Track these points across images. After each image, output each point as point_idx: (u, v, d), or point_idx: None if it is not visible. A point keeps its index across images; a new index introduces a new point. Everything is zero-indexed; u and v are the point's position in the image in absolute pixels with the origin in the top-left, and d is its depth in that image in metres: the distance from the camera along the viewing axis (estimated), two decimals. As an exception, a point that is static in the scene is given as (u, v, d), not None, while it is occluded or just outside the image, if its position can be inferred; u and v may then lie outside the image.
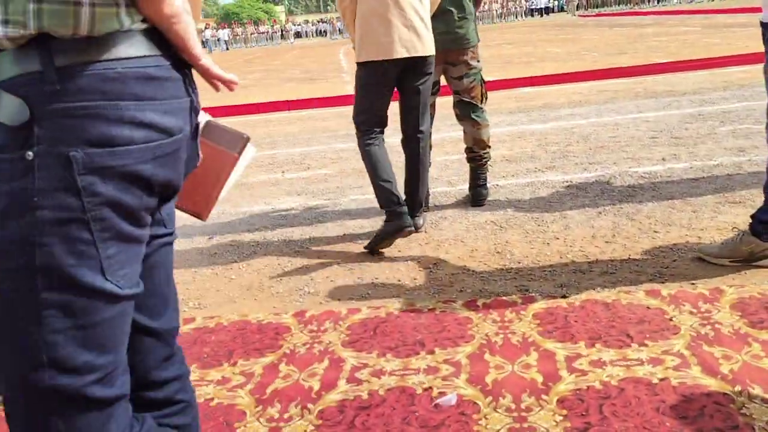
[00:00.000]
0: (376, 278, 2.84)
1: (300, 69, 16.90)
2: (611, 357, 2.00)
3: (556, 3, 48.18)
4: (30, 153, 0.88)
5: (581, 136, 5.28)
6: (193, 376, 2.13)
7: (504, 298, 2.50)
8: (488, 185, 3.80)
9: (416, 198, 3.33)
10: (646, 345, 2.05)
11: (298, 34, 51.07)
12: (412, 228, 3.14)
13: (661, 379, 1.85)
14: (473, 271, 2.82)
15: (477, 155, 3.69)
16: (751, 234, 2.51)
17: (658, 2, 42.70)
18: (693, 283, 2.46)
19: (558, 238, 3.10)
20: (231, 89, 1.12)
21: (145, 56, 0.94)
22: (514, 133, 5.72)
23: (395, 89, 3.25)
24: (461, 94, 3.60)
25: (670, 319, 2.19)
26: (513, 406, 1.80)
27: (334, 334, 2.34)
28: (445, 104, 4.05)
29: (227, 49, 43.60)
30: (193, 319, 2.60)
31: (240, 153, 1.30)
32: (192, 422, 1.25)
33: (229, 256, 3.31)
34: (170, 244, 1.16)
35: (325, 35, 48.94)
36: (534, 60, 12.18)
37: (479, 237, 3.23)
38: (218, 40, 44.46)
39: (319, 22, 54.77)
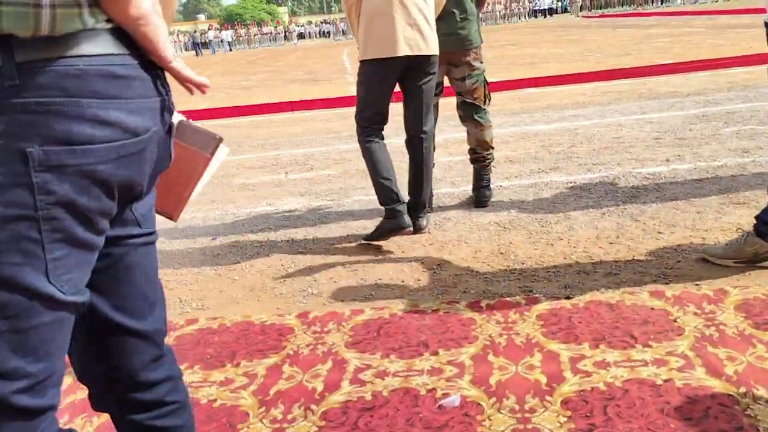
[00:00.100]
0: (380, 279, 2.83)
1: (303, 70, 16.92)
2: (615, 358, 1.99)
3: (559, 4, 48.15)
4: None
5: (585, 137, 5.27)
6: (195, 377, 2.13)
7: (508, 299, 2.50)
8: (492, 186, 3.79)
9: (420, 199, 3.33)
10: (650, 346, 2.04)
11: (301, 35, 51.12)
12: (411, 228, 3.16)
13: (666, 381, 1.85)
14: (477, 272, 2.82)
15: (480, 156, 3.69)
16: (755, 235, 2.50)
17: (661, 3, 42.66)
18: (697, 284, 2.46)
19: (562, 239, 3.09)
20: (203, 92, 1.12)
21: (110, 54, 0.93)
22: (518, 134, 5.72)
23: (399, 89, 3.26)
24: (464, 95, 3.60)
25: (675, 320, 2.19)
26: (517, 408, 1.80)
27: (338, 335, 2.34)
28: (448, 105, 4.05)
29: (230, 50, 43.64)
30: (196, 320, 2.61)
31: (212, 154, 1.29)
32: (185, 423, 1.24)
33: (232, 257, 3.31)
34: (149, 244, 1.15)
35: (328, 36, 48.96)
36: (537, 61, 12.17)
37: (483, 238, 3.23)
38: (221, 41, 44.50)
39: (322, 23, 54.81)
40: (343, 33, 45.25)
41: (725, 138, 4.72)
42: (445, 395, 1.89)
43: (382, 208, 3.21)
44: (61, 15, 0.87)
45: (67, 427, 1.86)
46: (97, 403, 1.22)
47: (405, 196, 3.25)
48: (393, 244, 3.25)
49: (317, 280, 2.91)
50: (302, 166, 5.31)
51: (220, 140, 1.31)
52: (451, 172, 4.58)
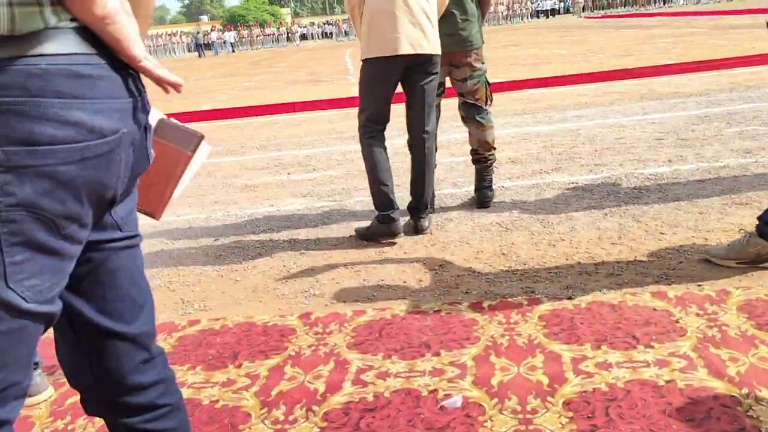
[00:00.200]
0: (382, 280, 2.83)
1: (306, 71, 16.93)
2: (617, 359, 1.99)
3: (561, 4, 48.13)
4: None
5: (587, 138, 5.27)
6: (197, 378, 2.14)
7: (510, 299, 2.50)
8: (494, 187, 3.79)
9: (422, 199, 3.33)
10: (652, 347, 2.04)
11: (303, 36, 51.14)
12: (402, 234, 3.27)
13: (668, 381, 1.84)
14: (479, 272, 2.82)
15: (482, 157, 3.69)
16: (757, 236, 2.50)
17: (664, 3, 42.62)
18: (699, 285, 2.45)
19: (564, 240, 3.09)
20: (178, 91, 1.10)
21: (74, 54, 0.90)
22: (520, 134, 5.72)
23: (402, 90, 3.27)
24: (465, 96, 3.60)
25: (677, 321, 2.18)
26: (519, 408, 1.79)
27: (340, 336, 2.34)
28: (450, 106, 4.05)
29: (233, 51, 43.70)
30: (198, 321, 2.61)
31: (194, 151, 1.28)
32: (179, 426, 1.24)
33: (235, 258, 3.32)
34: (133, 247, 1.13)
35: (331, 37, 49.00)
36: (540, 62, 12.17)
37: (485, 239, 3.23)
38: (224, 42, 44.54)
39: (324, 24, 54.83)
40: (346, 34, 45.26)
41: (728, 138, 4.71)
42: (447, 396, 1.89)
43: (375, 208, 3.30)
44: (21, 14, 0.85)
45: (70, 427, 1.87)
46: (89, 406, 1.22)
47: (402, 198, 3.25)
48: (395, 245, 3.25)
49: (319, 281, 2.91)
50: (304, 167, 5.31)
51: (201, 137, 1.29)
52: (453, 172, 4.58)
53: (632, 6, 44.70)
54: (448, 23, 3.39)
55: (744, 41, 11.53)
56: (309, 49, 34.61)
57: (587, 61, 11.27)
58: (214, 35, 45.33)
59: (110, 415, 1.20)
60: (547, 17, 45.20)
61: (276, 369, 2.15)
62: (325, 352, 2.23)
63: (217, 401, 2.00)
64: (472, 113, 3.61)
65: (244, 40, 48.32)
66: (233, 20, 63.10)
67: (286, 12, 79.93)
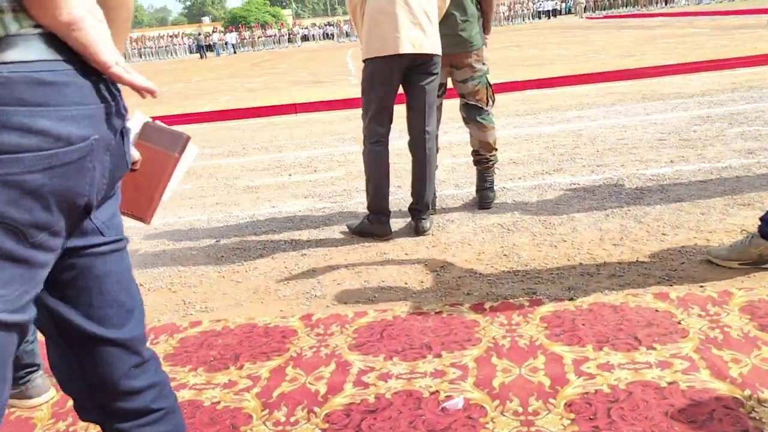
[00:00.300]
0: (383, 281, 2.83)
1: (307, 72, 16.94)
2: (619, 360, 1.99)
3: (563, 5, 48.11)
4: None
5: (589, 139, 5.26)
6: (199, 380, 2.14)
7: (511, 300, 2.49)
8: (495, 188, 3.79)
9: (423, 200, 3.33)
10: (654, 348, 2.03)
11: (305, 38, 51.17)
12: (391, 235, 3.37)
13: (670, 383, 1.84)
14: (480, 273, 2.81)
15: (483, 158, 3.68)
16: (760, 236, 2.50)
17: (665, 4, 42.58)
18: (702, 286, 2.45)
19: (565, 241, 3.08)
20: (153, 96, 1.07)
21: (38, 61, 0.89)
22: (522, 135, 5.71)
23: (402, 91, 3.28)
24: (466, 97, 3.59)
25: (679, 322, 2.18)
26: (520, 410, 1.79)
27: (341, 337, 2.34)
28: (452, 107, 4.04)
29: (234, 52, 43.72)
30: (199, 322, 2.61)
31: (181, 153, 1.27)
32: (174, 429, 1.23)
33: (236, 260, 3.32)
34: (118, 251, 1.12)
35: (332, 38, 49.00)
36: (541, 62, 12.16)
37: (486, 240, 3.22)
38: (225, 43, 44.58)
39: (326, 25, 54.85)
40: (347, 35, 45.25)
41: (730, 139, 4.70)
42: (449, 398, 1.89)
43: (367, 209, 3.39)
44: None
45: (71, 429, 1.87)
46: (83, 412, 1.21)
47: (403, 199, 3.27)
48: (396, 245, 3.25)
49: (321, 282, 2.91)
50: (306, 168, 5.31)
51: (188, 139, 1.28)
52: (454, 173, 4.58)
53: (634, 6, 44.67)
54: (448, 24, 3.39)
55: (746, 41, 11.51)
56: (310, 50, 34.63)
57: (589, 61, 11.26)
58: (215, 36, 45.34)
59: (104, 420, 1.19)
60: (549, 18, 45.17)
61: (277, 370, 2.15)
62: (326, 353, 2.23)
63: (219, 402, 2.00)
64: (473, 114, 3.60)
65: (245, 41, 48.35)
66: (235, 21, 63.19)
67: (287, 13, 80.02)
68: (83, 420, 1.23)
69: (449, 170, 4.66)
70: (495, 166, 3.75)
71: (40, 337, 2.60)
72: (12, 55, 0.87)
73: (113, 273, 1.11)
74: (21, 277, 0.92)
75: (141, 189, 1.25)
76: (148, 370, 1.18)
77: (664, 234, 3.03)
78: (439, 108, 3.59)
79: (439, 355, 2.13)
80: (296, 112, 8.83)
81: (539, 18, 45.94)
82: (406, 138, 3.37)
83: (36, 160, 0.88)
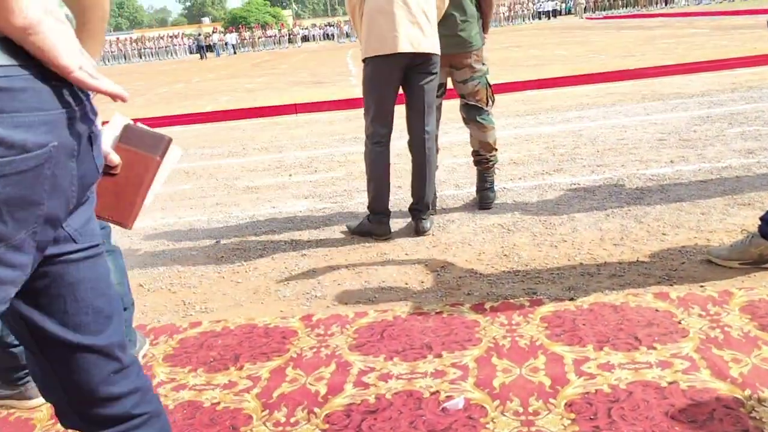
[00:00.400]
0: (383, 282, 2.83)
1: (307, 72, 16.94)
2: (620, 360, 1.98)
3: (563, 5, 48.12)
4: None
5: (589, 139, 5.26)
6: (199, 380, 2.13)
7: (511, 301, 2.49)
8: (495, 188, 3.79)
9: (423, 200, 3.33)
10: (654, 348, 2.03)
11: (305, 38, 51.17)
12: (391, 235, 3.38)
13: (670, 383, 1.84)
14: (481, 274, 2.81)
15: (483, 158, 3.68)
16: (760, 236, 2.49)
17: (665, 4, 42.57)
18: (702, 286, 2.45)
19: (566, 241, 3.08)
20: (123, 101, 1.04)
21: None
22: (522, 135, 5.71)
23: (402, 91, 3.28)
24: (466, 97, 3.59)
25: (679, 322, 2.18)
26: (521, 410, 1.79)
27: (341, 337, 2.33)
28: (452, 107, 4.04)
29: (234, 53, 43.71)
30: (199, 322, 2.61)
31: (162, 156, 1.24)
32: None
33: (236, 260, 3.31)
34: (93, 257, 1.09)
35: (332, 39, 49.01)
36: (541, 63, 12.16)
37: (486, 240, 3.22)
38: (226, 44, 44.58)
39: (326, 25, 54.86)
40: (347, 35, 45.28)
41: (730, 139, 4.70)
42: (449, 398, 1.89)
43: (368, 209, 3.40)
44: None
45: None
46: (64, 419, 1.19)
47: (403, 199, 3.27)
48: (397, 246, 3.25)
49: (321, 282, 2.91)
50: (306, 169, 5.31)
51: (170, 141, 1.26)
52: (455, 174, 4.58)
53: (634, 7, 44.65)
54: (447, 25, 3.39)
55: (746, 41, 11.51)
56: (310, 50, 34.63)
57: (589, 62, 11.26)
58: (215, 37, 45.33)
59: (84, 427, 1.17)
60: (549, 18, 45.19)
61: (277, 371, 2.15)
62: (326, 353, 2.23)
63: (219, 403, 2.00)
64: (473, 114, 3.60)
65: (245, 41, 48.36)
66: (235, 22, 63.24)
67: (287, 14, 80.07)
68: (65, 427, 1.21)
69: (449, 170, 4.66)
70: (495, 166, 3.75)
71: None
72: None
73: (88, 280, 1.08)
74: None
75: (121, 194, 1.22)
76: (129, 376, 1.16)
77: (664, 234, 3.03)
78: (439, 108, 3.59)
79: (439, 356, 2.13)
80: (296, 113, 8.83)
81: (539, 18, 45.96)
82: (406, 138, 3.37)
83: None
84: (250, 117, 8.88)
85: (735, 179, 3.74)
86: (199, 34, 43.47)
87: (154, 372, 2.24)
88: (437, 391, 1.92)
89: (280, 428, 1.83)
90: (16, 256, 0.91)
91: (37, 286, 1.02)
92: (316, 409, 1.90)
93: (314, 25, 57.37)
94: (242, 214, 4.17)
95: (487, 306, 2.46)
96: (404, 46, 3.07)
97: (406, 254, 3.14)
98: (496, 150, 3.70)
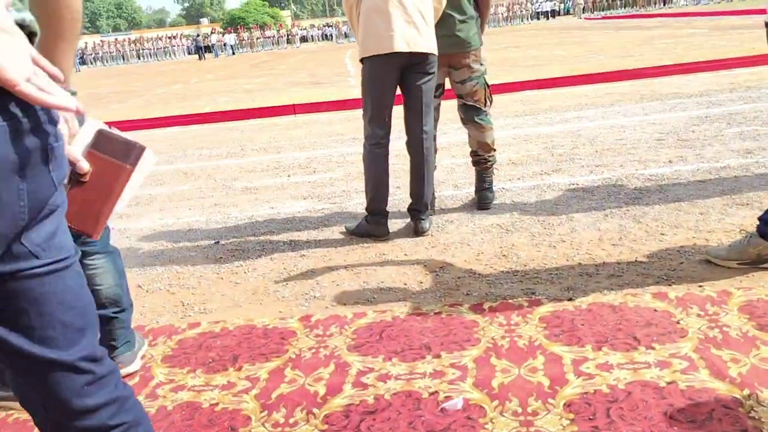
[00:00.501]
0: (382, 282, 2.83)
1: (306, 73, 16.94)
2: (618, 360, 1.99)
3: (561, 6, 48.16)
4: None
5: (587, 139, 5.26)
6: (198, 381, 2.13)
7: (510, 301, 2.49)
8: (494, 188, 3.79)
9: (422, 200, 3.34)
10: (653, 348, 2.03)
11: (303, 39, 51.17)
12: (389, 236, 3.38)
13: (669, 383, 1.84)
14: (479, 274, 2.81)
15: (482, 158, 3.68)
16: (758, 236, 2.50)
17: (664, 4, 42.61)
18: (700, 286, 2.45)
19: (564, 241, 3.08)
20: (78, 114, 1.01)
21: None
22: (521, 136, 5.71)
23: (400, 92, 3.28)
24: (464, 97, 3.59)
25: (678, 322, 2.18)
26: (519, 410, 1.79)
27: (340, 338, 2.33)
28: (450, 107, 4.05)
29: (233, 53, 43.70)
30: (198, 323, 2.60)
31: (134, 164, 1.19)
32: None
33: (235, 261, 3.31)
34: (59, 271, 1.04)
35: (331, 39, 49.02)
36: (540, 63, 12.17)
37: (485, 240, 3.22)
38: (224, 44, 44.57)
39: (324, 26, 54.87)
40: (345, 36, 45.28)
41: (728, 139, 4.70)
42: (448, 398, 1.89)
43: (366, 210, 3.40)
44: None
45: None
46: (42, 430, 1.16)
47: (402, 200, 3.27)
48: (395, 246, 3.25)
49: (319, 283, 2.91)
50: (305, 169, 5.31)
51: (143, 149, 1.20)
52: (453, 174, 4.58)
53: (632, 7, 44.67)
54: (446, 25, 3.39)
55: (744, 42, 11.52)
56: (309, 51, 34.64)
57: (587, 62, 11.26)
58: (214, 38, 45.35)
59: None
60: (548, 18, 45.22)
61: (276, 372, 2.15)
62: (325, 354, 2.23)
63: (217, 404, 1.99)
64: (471, 115, 3.60)
65: (244, 42, 48.34)
66: (233, 23, 63.18)
67: (286, 14, 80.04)
68: None
69: (448, 171, 4.66)
70: (494, 166, 3.75)
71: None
72: None
73: (54, 294, 1.03)
74: None
75: (89, 202, 1.16)
76: (106, 386, 1.11)
77: (662, 234, 3.03)
78: (437, 108, 3.59)
79: (438, 356, 2.13)
80: (295, 113, 8.83)
81: (538, 19, 45.99)
82: (404, 138, 3.37)
83: None
84: (248, 118, 8.88)
85: (733, 179, 3.74)
86: (198, 35, 43.51)
87: (153, 373, 2.24)
88: (436, 392, 1.92)
89: (279, 429, 1.83)
90: None
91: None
92: (314, 410, 1.90)
93: (313, 26, 57.36)
94: (241, 214, 4.17)
95: (486, 306, 2.46)
96: (400, 46, 3.07)
97: (405, 255, 3.14)
98: (495, 150, 3.70)
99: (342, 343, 2.29)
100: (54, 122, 0.98)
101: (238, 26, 57.37)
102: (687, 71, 8.53)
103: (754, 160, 4.07)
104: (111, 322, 2.21)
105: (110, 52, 47.44)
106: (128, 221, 4.28)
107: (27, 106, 0.92)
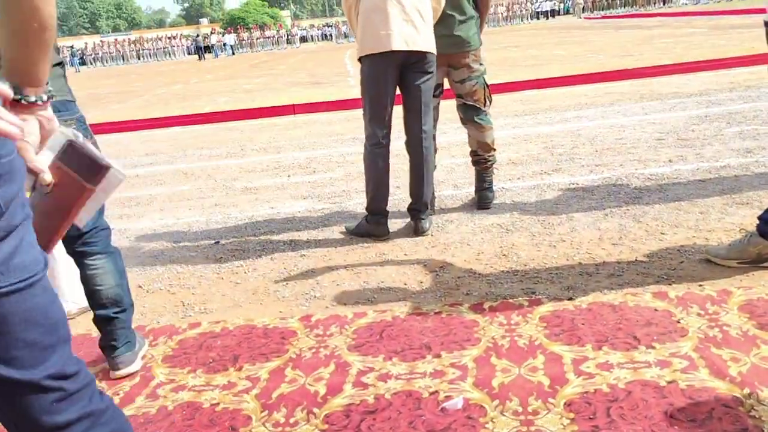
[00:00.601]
0: (382, 282, 2.83)
1: (306, 73, 16.93)
2: (618, 359, 1.99)
3: (561, 5, 48.15)
4: None
5: (587, 139, 5.26)
6: (198, 381, 2.13)
7: (510, 300, 2.49)
8: (494, 188, 3.79)
9: (422, 199, 3.34)
10: (653, 347, 2.03)
11: (303, 39, 51.17)
12: (389, 236, 3.38)
13: (669, 382, 1.84)
14: (479, 274, 2.81)
15: (482, 158, 3.69)
16: (758, 235, 2.50)
17: (663, 4, 42.60)
18: (700, 285, 2.45)
19: (564, 241, 3.08)
20: (14, 139, 0.94)
21: None
22: (520, 135, 5.71)
23: (399, 91, 3.28)
24: (464, 97, 3.59)
25: (678, 321, 2.18)
26: (520, 410, 1.79)
27: (340, 338, 2.33)
28: (451, 107, 4.04)
29: (233, 53, 43.70)
30: (198, 323, 2.61)
31: (96, 184, 1.13)
32: None
33: (235, 261, 3.31)
34: (24, 289, 1.00)
35: (330, 39, 49.02)
36: (540, 63, 12.17)
37: (485, 240, 3.22)
38: (224, 45, 44.57)
39: (324, 26, 54.87)
40: (345, 36, 45.26)
41: (728, 138, 4.71)
42: (448, 398, 1.89)
43: (366, 210, 3.41)
44: None
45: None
46: None
47: (402, 200, 3.27)
48: (395, 246, 3.25)
49: (320, 283, 2.91)
50: (305, 169, 5.31)
51: (107, 169, 1.13)
52: (453, 174, 4.58)
53: (632, 6, 44.66)
54: (446, 25, 3.40)
55: (744, 41, 11.52)
56: (309, 51, 34.63)
57: (587, 61, 11.26)
58: (214, 38, 45.35)
59: None
60: (547, 18, 45.21)
61: (277, 371, 2.15)
62: (325, 354, 2.23)
63: (218, 404, 1.99)
64: (471, 115, 3.60)
65: (243, 42, 48.32)
66: (233, 23, 63.19)
67: (285, 14, 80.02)
68: None
69: (448, 171, 4.66)
70: (494, 166, 3.75)
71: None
72: None
73: (16, 314, 0.99)
74: None
75: (48, 215, 1.11)
76: (78, 401, 1.08)
77: (662, 233, 3.03)
78: (436, 108, 3.59)
79: (438, 356, 2.13)
80: (295, 113, 8.83)
81: (537, 18, 45.97)
82: (404, 138, 3.37)
83: None
84: (248, 118, 8.88)
85: (733, 178, 3.74)
86: (198, 35, 43.49)
87: (154, 373, 2.24)
88: (436, 391, 1.92)
89: (280, 429, 1.83)
90: None
91: None
92: (315, 410, 1.90)
93: (312, 26, 57.36)
94: (241, 214, 4.17)
95: (486, 306, 2.46)
96: (398, 44, 3.08)
97: (405, 254, 3.14)
98: (495, 150, 3.70)
99: (342, 343, 2.29)
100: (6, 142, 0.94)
101: (238, 26, 57.36)
102: (687, 71, 8.53)
103: (754, 159, 4.07)
104: (112, 322, 2.22)
105: (110, 53, 47.42)
106: (128, 221, 4.28)
107: None
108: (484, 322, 2.33)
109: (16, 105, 1.03)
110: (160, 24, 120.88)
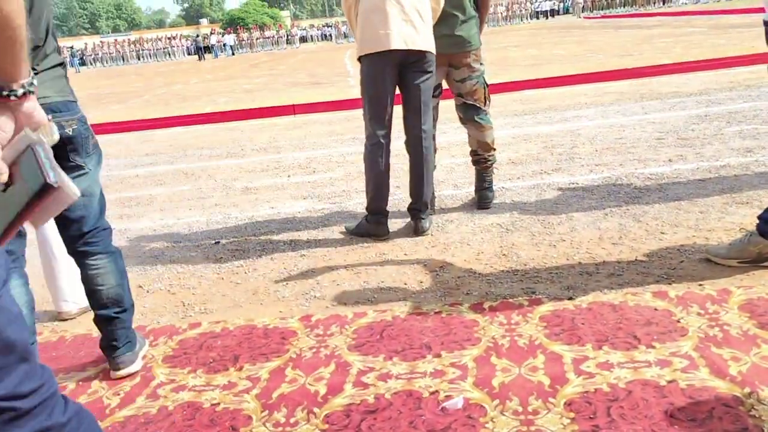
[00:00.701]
0: (383, 282, 2.83)
1: (305, 73, 16.93)
2: (618, 359, 1.99)
3: (561, 5, 48.15)
4: None
5: (587, 138, 5.26)
6: (198, 381, 2.13)
7: (510, 300, 2.49)
8: (494, 188, 3.79)
9: (422, 199, 3.34)
10: (653, 347, 2.03)
11: (303, 39, 51.16)
12: (389, 235, 3.38)
13: (669, 381, 1.84)
14: (479, 273, 2.81)
15: (482, 158, 3.69)
16: (758, 234, 2.50)
17: (663, 3, 42.60)
18: (701, 285, 2.45)
19: (564, 240, 3.09)
20: None
21: None
22: (520, 135, 5.71)
23: (399, 91, 3.29)
24: (464, 96, 3.59)
25: (678, 321, 2.18)
26: (520, 409, 1.79)
27: (341, 338, 2.33)
28: (451, 107, 4.04)
29: (233, 54, 43.68)
30: (198, 323, 2.61)
31: (38, 202, 1.04)
32: None
33: (235, 261, 3.31)
34: None
35: (330, 39, 49.02)
36: (539, 62, 12.16)
37: (485, 240, 3.22)
38: (224, 45, 44.55)
39: (323, 26, 54.86)
40: (345, 36, 45.27)
41: (728, 138, 4.71)
42: (448, 397, 1.89)
43: (366, 210, 3.41)
44: None
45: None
46: None
47: (402, 200, 3.27)
48: (395, 246, 3.25)
49: (320, 282, 2.91)
50: (305, 169, 5.31)
51: (52, 190, 1.04)
52: (453, 174, 4.58)
53: (631, 6, 44.65)
54: (447, 24, 3.40)
55: (744, 40, 11.52)
56: (308, 51, 34.63)
57: (587, 61, 11.26)
58: (213, 38, 45.31)
59: None
60: (547, 18, 45.20)
61: (277, 371, 2.15)
62: (326, 354, 2.23)
63: (218, 404, 2.00)
64: (471, 114, 3.60)
65: (243, 42, 48.29)
66: (233, 23, 63.18)
67: (285, 15, 80.00)
68: None
69: (448, 170, 4.66)
70: (493, 166, 3.75)
71: (40, 339, 2.60)
72: None
73: None
74: None
75: (2, 212, 1.06)
76: (34, 417, 1.04)
77: (662, 233, 3.04)
78: (436, 108, 3.59)
79: (438, 355, 2.13)
80: (295, 114, 8.84)
81: (537, 18, 45.96)
82: (403, 138, 3.37)
83: None
84: (248, 118, 8.88)
85: (733, 178, 3.74)
86: (197, 36, 43.50)
87: (154, 373, 2.24)
88: (436, 391, 1.92)
89: (280, 429, 1.83)
90: None
91: None
92: (315, 410, 1.90)
93: (312, 26, 57.34)
94: (241, 215, 4.17)
95: (486, 306, 2.46)
96: (397, 44, 3.08)
97: (405, 254, 3.14)
98: (495, 150, 3.70)
99: (342, 343, 2.29)
100: None
101: (238, 27, 57.36)
102: (686, 70, 8.53)
103: (754, 159, 4.07)
104: (112, 322, 2.22)
105: (110, 53, 47.40)
106: (128, 221, 4.28)
107: None
108: (484, 321, 2.33)
109: None
110: (160, 24, 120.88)
